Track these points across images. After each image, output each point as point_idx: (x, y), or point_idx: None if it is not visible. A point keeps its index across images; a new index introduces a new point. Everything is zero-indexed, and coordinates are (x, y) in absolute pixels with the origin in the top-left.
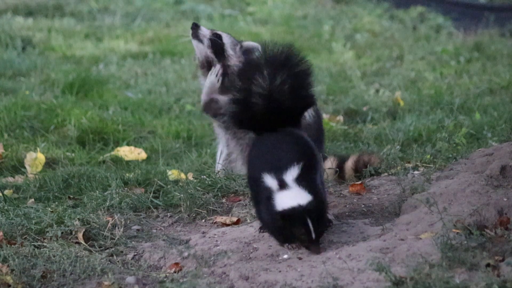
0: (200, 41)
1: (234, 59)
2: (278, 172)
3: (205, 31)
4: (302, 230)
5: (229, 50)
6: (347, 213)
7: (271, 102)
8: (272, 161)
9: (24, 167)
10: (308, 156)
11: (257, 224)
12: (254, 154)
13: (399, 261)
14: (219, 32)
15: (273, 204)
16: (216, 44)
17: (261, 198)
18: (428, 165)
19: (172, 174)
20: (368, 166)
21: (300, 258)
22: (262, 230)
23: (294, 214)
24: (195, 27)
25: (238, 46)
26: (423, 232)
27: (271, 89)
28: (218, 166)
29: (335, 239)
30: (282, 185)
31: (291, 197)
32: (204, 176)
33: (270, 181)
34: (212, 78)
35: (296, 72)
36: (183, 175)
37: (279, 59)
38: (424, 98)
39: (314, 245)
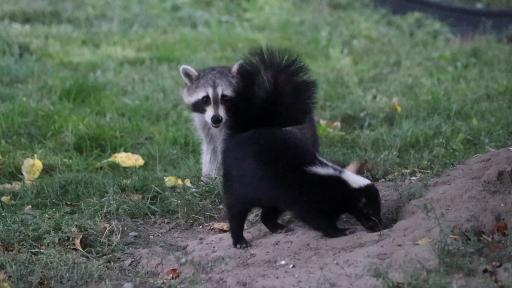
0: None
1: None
2: (322, 160)
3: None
4: (376, 206)
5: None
6: (344, 219)
7: (270, 109)
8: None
9: (22, 174)
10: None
11: (254, 230)
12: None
13: (397, 266)
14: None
15: (343, 184)
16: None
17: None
18: (425, 170)
19: (169, 180)
20: (369, 172)
21: (296, 265)
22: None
23: (373, 189)
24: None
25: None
26: (421, 238)
27: (272, 96)
28: (213, 172)
29: (333, 244)
30: (338, 169)
31: (356, 176)
32: (202, 182)
33: (321, 168)
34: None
35: (299, 83)
36: (180, 181)
37: (286, 67)
38: (421, 104)
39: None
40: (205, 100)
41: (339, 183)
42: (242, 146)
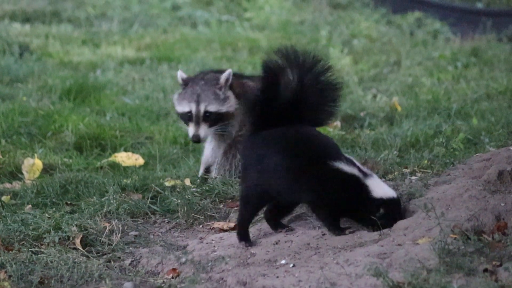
0: None
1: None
2: (350, 158)
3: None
4: (391, 221)
5: None
6: (344, 219)
7: (296, 109)
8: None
9: (22, 173)
10: None
11: (254, 229)
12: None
13: (397, 266)
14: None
15: (364, 189)
16: None
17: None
18: (425, 170)
19: (169, 180)
20: None
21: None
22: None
23: (394, 203)
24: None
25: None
26: (421, 237)
27: (298, 97)
28: (215, 173)
29: (333, 244)
30: (365, 173)
31: (383, 186)
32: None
33: (346, 166)
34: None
35: (326, 86)
36: (178, 181)
37: (312, 67)
38: (422, 103)
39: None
40: (189, 116)
41: (360, 186)
42: (266, 143)
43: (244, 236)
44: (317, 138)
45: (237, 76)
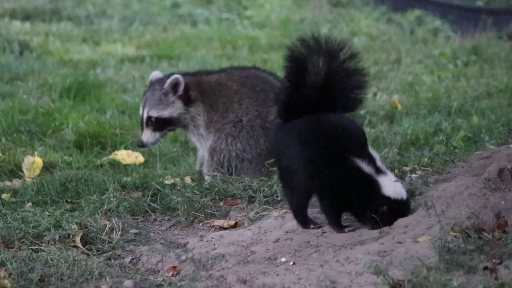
0: None
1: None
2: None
3: None
4: (392, 220)
5: None
6: (344, 217)
7: (323, 97)
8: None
9: (22, 171)
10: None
11: (254, 227)
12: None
13: (397, 264)
14: None
15: (374, 185)
16: None
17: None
18: (425, 168)
19: (168, 181)
20: None
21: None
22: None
23: (400, 205)
24: None
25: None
26: (421, 235)
27: (325, 84)
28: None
29: (333, 242)
30: (380, 170)
31: (395, 185)
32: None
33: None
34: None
35: (352, 72)
36: (179, 180)
37: (338, 53)
38: (422, 101)
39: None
40: (140, 120)
41: (370, 182)
42: (289, 133)
43: (301, 220)
44: (338, 128)
45: (192, 75)
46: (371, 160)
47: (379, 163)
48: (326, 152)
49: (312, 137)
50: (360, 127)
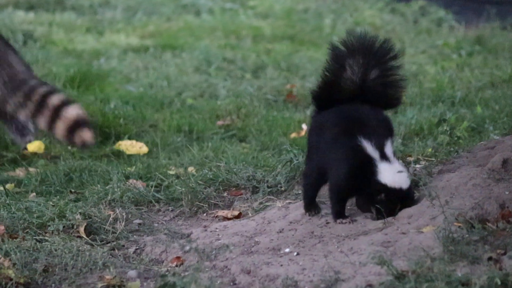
0: None
1: None
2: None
3: None
4: (390, 209)
5: None
6: (348, 207)
7: (360, 93)
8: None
9: (25, 160)
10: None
11: (258, 218)
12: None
13: (401, 254)
14: None
15: (374, 172)
16: None
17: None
18: (429, 158)
19: (172, 171)
20: None
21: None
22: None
23: (397, 194)
24: None
25: None
26: (425, 226)
27: (363, 81)
28: None
29: (337, 232)
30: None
31: (396, 174)
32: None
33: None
34: None
35: (390, 69)
36: (182, 170)
37: (376, 51)
38: (426, 91)
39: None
40: None
41: (372, 168)
42: (324, 121)
43: (307, 209)
44: (355, 112)
45: None
46: (379, 145)
47: (388, 151)
48: (338, 131)
49: (329, 119)
50: (385, 117)
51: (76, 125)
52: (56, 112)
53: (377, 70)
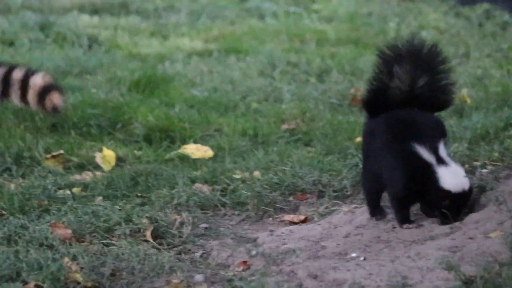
0: None
1: None
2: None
3: None
4: (456, 211)
5: None
6: (415, 212)
7: (409, 99)
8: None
9: (92, 165)
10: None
11: (324, 222)
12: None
13: (468, 260)
14: None
15: (433, 178)
16: None
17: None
18: (496, 163)
19: (238, 175)
20: None
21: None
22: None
23: (462, 196)
24: None
25: None
26: (492, 231)
27: (411, 87)
28: None
29: (403, 237)
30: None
31: (455, 177)
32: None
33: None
34: None
35: (438, 74)
36: (248, 174)
37: (424, 56)
38: (491, 95)
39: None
40: None
41: (430, 174)
42: (375, 127)
43: (373, 212)
44: (407, 117)
45: None
46: (433, 149)
47: (442, 153)
48: (390, 138)
49: (380, 126)
50: (436, 119)
51: (44, 91)
52: (24, 84)
53: (425, 77)
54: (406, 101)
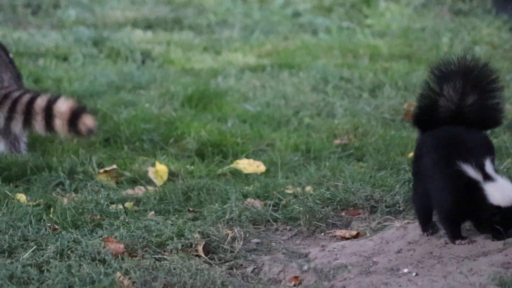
0: None
1: None
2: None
3: None
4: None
5: None
6: (467, 227)
7: (457, 117)
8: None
9: (144, 180)
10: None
11: (376, 238)
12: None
13: None
14: None
15: (482, 195)
16: None
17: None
18: None
19: (290, 190)
20: None
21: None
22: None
23: None
24: None
25: None
26: None
27: (460, 106)
28: None
29: (456, 253)
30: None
31: (506, 191)
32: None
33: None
34: None
35: (488, 92)
36: (300, 189)
37: (474, 75)
38: None
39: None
40: None
41: (478, 191)
42: (422, 144)
43: (425, 228)
44: (453, 134)
45: None
46: (480, 166)
47: (489, 169)
48: (436, 156)
49: (426, 143)
50: (482, 136)
51: (74, 116)
52: (48, 113)
53: (474, 96)
54: (454, 118)
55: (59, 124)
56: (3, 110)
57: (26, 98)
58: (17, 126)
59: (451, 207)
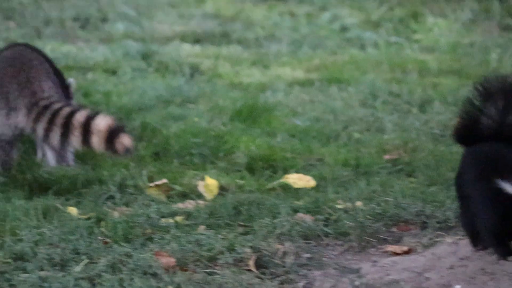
0: None
1: None
2: None
3: None
4: None
5: None
6: None
7: (498, 134)
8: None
9: (194, 193)
10: None
11: (428, 254)
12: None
13: None
14: None
15: None
16: None
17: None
18: None
19: (340, 205)
20: None
21: None
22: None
23: None
24: None
25: None
26: None
27: (501, 124)
28: None
29: (509, 269)
30: None
31: None
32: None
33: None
34: None
35: None
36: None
37: None
38: None
39: None
40: None
41: None
42: (462, 161)
43: (474, 243)
44: (498, 155)
45: None
46: None
47: None
48: (474, 173)
49: (465, 160)
50: None
51: (112, 135)
52: (86, 128)
53: None
54: (495, 136)
55: (96, 141)
56: (43, 121)
57: (65, 111)
58: (55, 138)
59: (492, 227)
